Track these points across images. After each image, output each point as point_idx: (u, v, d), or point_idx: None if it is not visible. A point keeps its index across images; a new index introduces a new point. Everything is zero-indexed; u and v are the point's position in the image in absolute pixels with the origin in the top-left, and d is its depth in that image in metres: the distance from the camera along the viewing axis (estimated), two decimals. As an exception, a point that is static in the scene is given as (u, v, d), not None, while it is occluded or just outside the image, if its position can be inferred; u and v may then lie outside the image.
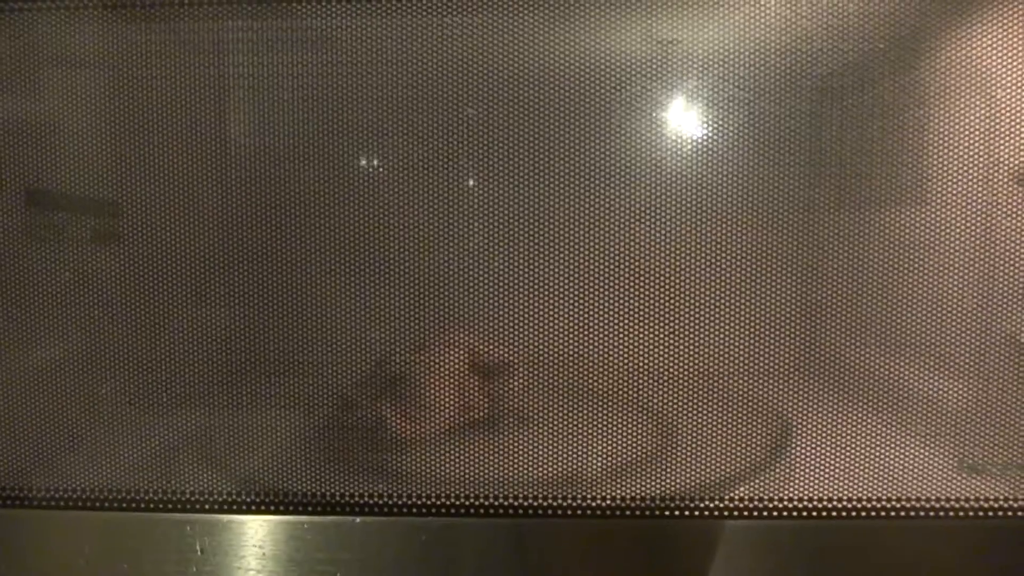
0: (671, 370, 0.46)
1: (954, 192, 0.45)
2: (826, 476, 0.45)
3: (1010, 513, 0.44)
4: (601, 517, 0.45)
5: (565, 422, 0.47)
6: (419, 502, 0.46)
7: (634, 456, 0.47)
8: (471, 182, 0.47)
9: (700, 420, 0.46)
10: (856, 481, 0.45)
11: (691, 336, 0.46)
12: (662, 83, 0.46)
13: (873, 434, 0.46)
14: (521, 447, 0.47)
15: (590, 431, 0.47)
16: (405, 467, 0.48)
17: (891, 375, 0.48)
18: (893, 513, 0.44)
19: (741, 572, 0.44)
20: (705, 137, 0.46)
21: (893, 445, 0.45)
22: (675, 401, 0.46)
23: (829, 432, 0.46)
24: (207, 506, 0.46)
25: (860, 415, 0.47)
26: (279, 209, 0.49)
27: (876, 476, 0.45)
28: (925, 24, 0.46)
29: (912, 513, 0.44)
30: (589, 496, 0.45)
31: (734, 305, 0.47)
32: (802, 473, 0.45)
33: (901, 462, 0.45)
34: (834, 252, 0.47)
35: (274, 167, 0.49)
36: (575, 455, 0.46)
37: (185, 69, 0.48)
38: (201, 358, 0.49)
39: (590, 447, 0.46)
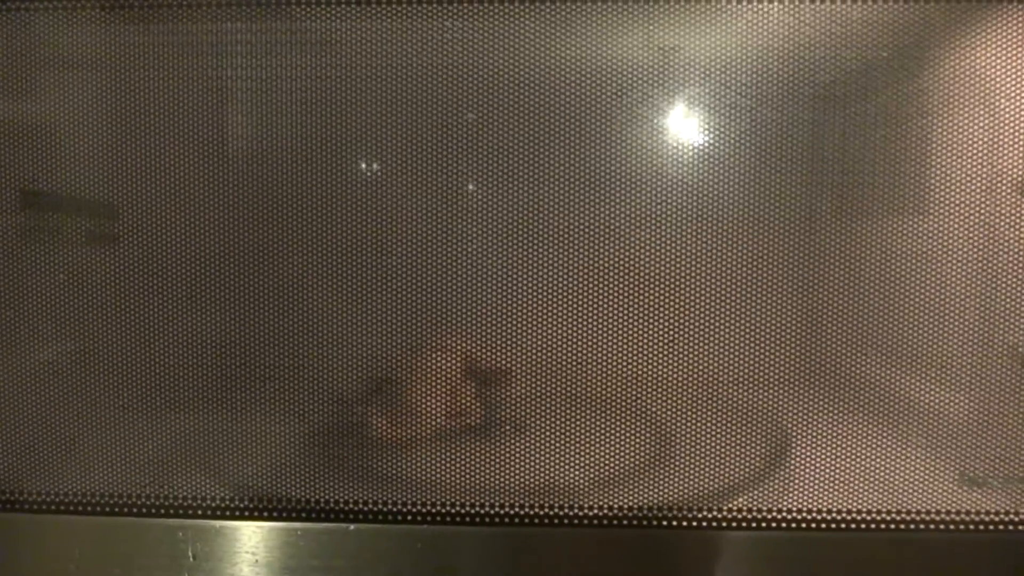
0: (669, 379, 0.46)
1: (956, 202, 0.45)
2: (825, 487, 0.45)
3: (1011, 527, 0.43)
4: (597, 526, 0.45)
5: (562, 430, 0.46)
6: (414, 510, 0.45)
7: (631, 465, 0.46)
8: (471, 187, 0.47)
9: (698, 429, 0.46)
10: (855, 493, 0.44)
11: (690, 345, 0.46)
12: (663, 89, 0.45)
13: (873, 446, 0.45)
14: (517, 455, 0.46)
15: (587, 440, 0.46)
16: (400, 474, 0.48)
17: (891, 386, 0.47)
18: (892, 526, 0.44)
19: (738, 584, 0.44)
20: (706, 144, 0.45)
21: (893, 457, 0.45)
22: (673, 410, 0.46)
23: (828, 443, 0.45)
24: (200, 511, 0.46)
25: (860, 426, 0.47)
26: (276, 213, 0.48)
27: (875, 488, 0.45)
28: (928, 33, 0.45)
29: (912, 526, 0.44)
30: (585, 505, 0.45)
31: (733, 314, 0.46)
32: (800, 484, 0.45)
33: (901, 474, 0.45)
34: (835, 261, 0.47)
35: (271, 170, 0.48)
36: (571, 463, 0.46)
37: (183, 71, 0.48)
38: (196, 362, 0.49)
39: (586, 456, 0.46)
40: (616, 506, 0.45)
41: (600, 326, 0.46)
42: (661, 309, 0.46)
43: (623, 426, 0.46)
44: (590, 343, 0.46)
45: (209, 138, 0.49)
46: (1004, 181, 0.45)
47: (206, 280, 0.48)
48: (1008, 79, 0.44)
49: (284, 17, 0.46)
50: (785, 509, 0.44)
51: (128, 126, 0.48)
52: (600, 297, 0.46)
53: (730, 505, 0.44)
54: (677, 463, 0.46)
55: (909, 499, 0.44)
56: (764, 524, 0.44)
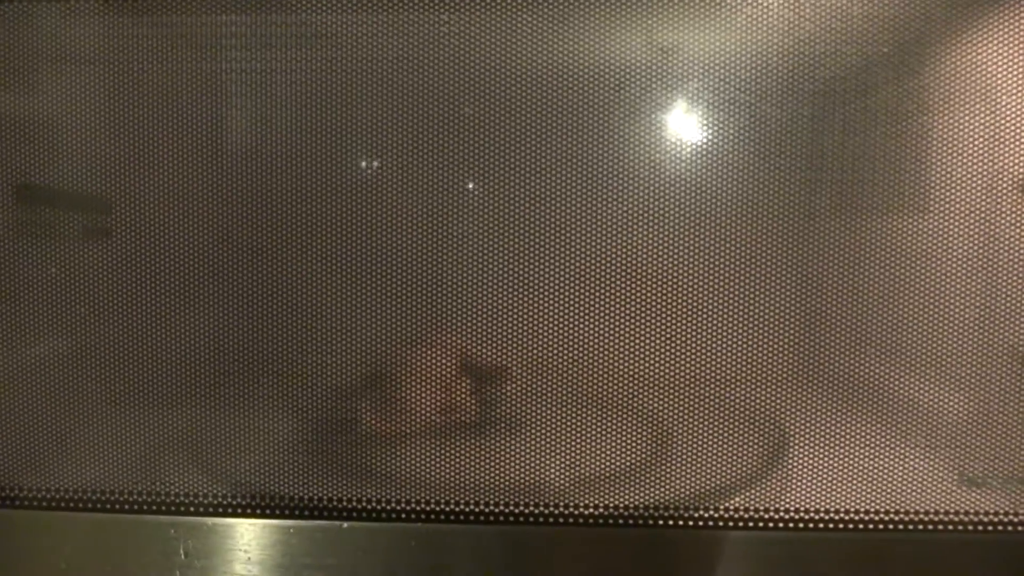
0: (668, 377, 0.45)
1: (957, 200, 0.45)
2: (824, 487, 0.44)
3: (1011, 528, 0.43)
4: (592, 525, 0.45)
5: (559, 428, 0.46)
6: (408, 507, 0.45)
7: (628, 464, 0.46)
8: (468, 182, 0.47)
9: (697, 428, 0.46)
10: (854, 493, 0.44)
11: (689, 343, 0.45)
12: (662, 85, 0.45)
13: (872, 445, 0.45)
14: (513, 453, 0.46)
15: (584, 438, 0.46)
16: (394, 472, 0.47)
17: (891, 385, 0.47)
18: (892, 526, 0.43)
19: (736, 584, 0.43)
20: (705, 140, 0.45)
21: (892, 457, 0.45)
22: (671, 409, 0.46)
23: (827, 443, 0.45)
24: (193, 508, 0.46)
25: (859, 426, 0.46)
26: (270, 208, 0.48)
27: (875, 488, 0.44)
28: (929, 29, 0.45)
29: (911, 526, 0.43)
30: (581, 504, 0.45)
31: (732, 311, 0.46)
32: (799, 484, 0.44)
33: (900, 474, 0.44)
34: (834, 259, 0.47)
35: (268, 165, 0.48)
36: (567, 462, 0.46)
37: (179, 64, 0.48)
38: (190, 359, 0.48)
39: (583, 454, 0.46)
40: (612, 505, 0.44)
41: (597, 323, 0.46)
42: (658, 306, 0.45)
43: (620, 424, 0.46)
44: (587, 340, 0.46)
45: (205, 132, 0.48)
46: (1005, 179, 0.44)
47: (200, 276, 0.48)
48: (1010, 76, 0.43)
49: (281, 10, 0.46)
50: (783, 509, 0.44)
51: (123, 120, 0.48)
52: (598, 294, 0.46)
53: (728, 505, 0.44)
54: (674, 462, 0.45)
55: (908, 499, 0.44)
56: (762, 524, 0.44)
